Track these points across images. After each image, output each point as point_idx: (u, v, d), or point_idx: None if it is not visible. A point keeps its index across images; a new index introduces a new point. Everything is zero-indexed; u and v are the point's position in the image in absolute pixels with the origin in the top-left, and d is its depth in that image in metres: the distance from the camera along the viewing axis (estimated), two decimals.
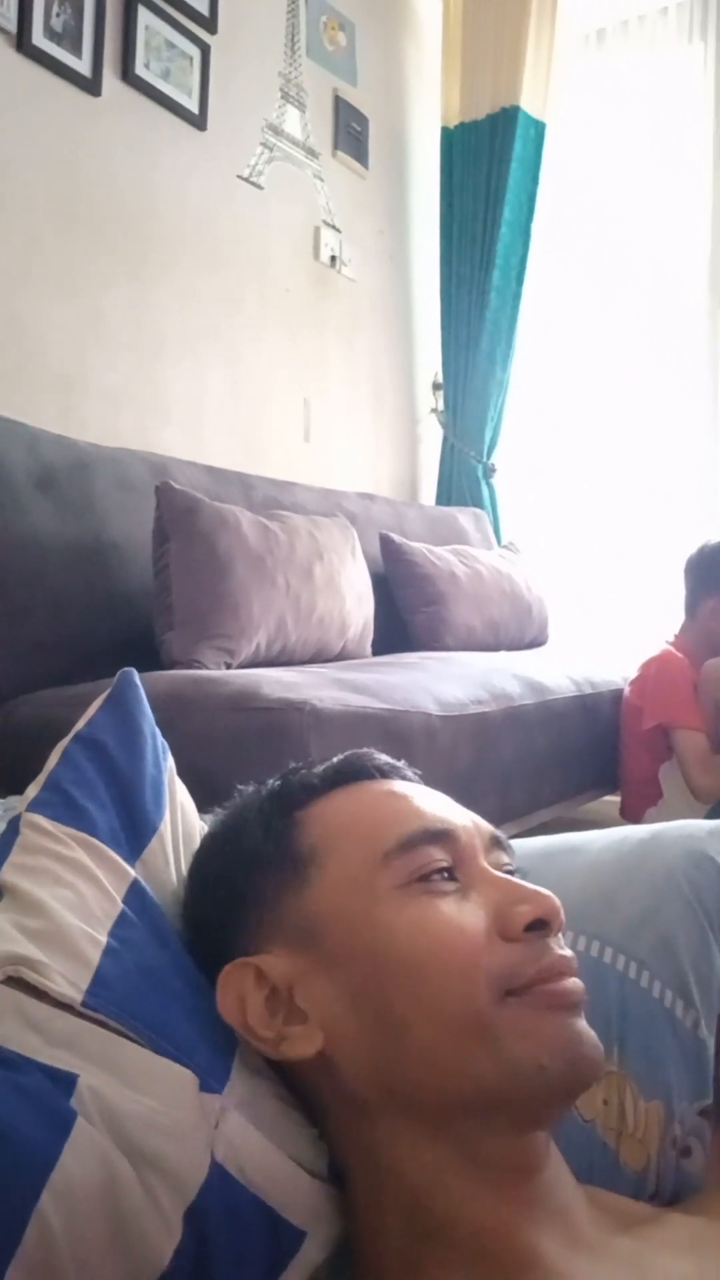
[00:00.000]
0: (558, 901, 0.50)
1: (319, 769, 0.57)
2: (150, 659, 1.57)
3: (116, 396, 2.10)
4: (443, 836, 0.51)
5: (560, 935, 0.51)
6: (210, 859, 0.58)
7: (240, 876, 0.54)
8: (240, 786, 0.61)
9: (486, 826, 0.55)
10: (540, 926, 0.49)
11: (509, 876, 0.52)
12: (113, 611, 1.70)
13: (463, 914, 0.49)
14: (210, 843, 0.59)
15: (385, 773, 0.57)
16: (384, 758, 0.59)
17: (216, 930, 0.55)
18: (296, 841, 0.53)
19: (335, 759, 0.58)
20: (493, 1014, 0.46)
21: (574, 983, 0.49)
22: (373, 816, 0.53)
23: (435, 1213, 0.47)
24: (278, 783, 0.58)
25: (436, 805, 0.54)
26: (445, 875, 0.50)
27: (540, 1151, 0.48)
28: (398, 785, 0.56)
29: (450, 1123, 0.47)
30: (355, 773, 0.57)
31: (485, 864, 0.52)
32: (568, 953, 0.50)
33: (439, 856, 0.51)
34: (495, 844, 0.55)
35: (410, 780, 0.58)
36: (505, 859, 0.55)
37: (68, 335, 2.00)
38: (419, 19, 3.11)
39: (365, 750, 0.59)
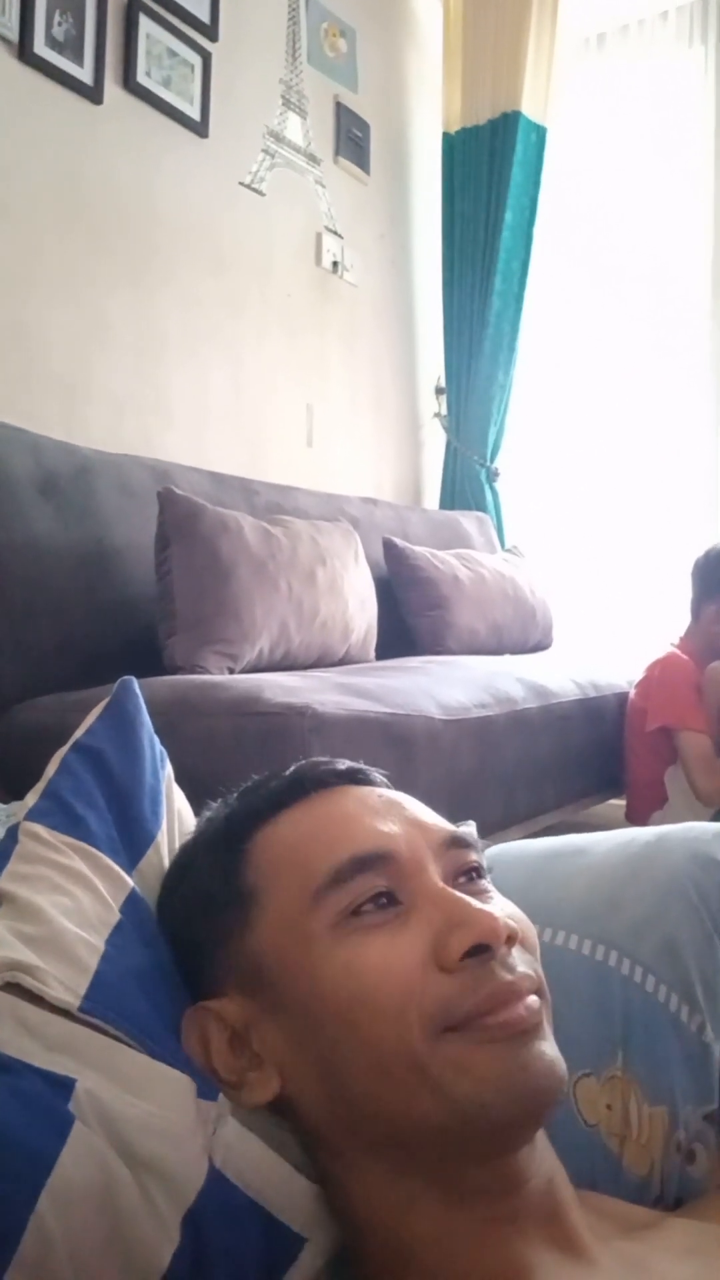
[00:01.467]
0: (501, 921, 0.46)
1: (269, 787, 0.55)
2: (153, 664, 1.57)
3: (119, 402, 2.11)
4: (377, 860, 0.48)
5: (528, 943, 0.48)
6: (169, 896, 0.57)
7: (195, 916, 0.54)
8: (207, 805, 0.59)
9: (439, 829, 0.52)
10: (480, 951, 0.45)
11: (454, 892, 0.48)
12: (115, 617, 1.70)
13: (395, 949, 0.46)
14: (169, 881, 0.58)
15: (331, 782, 0.54)
16: (338, 764, 0.56)
17: (186, 967, 0.54)
18: (241, 878, 0.51)
19: (285, 772, 0.55)
20: (428, 1054, 0.44)
21: (525, 1007, 0.45)
22: (307, 847, 0.50)
23: (412, 1239, 0.46)
24: (228, 809, 0.56)
25: (378, 821, 0.51)
26: (385, 901, 0.47)
27: (521, 1168, 0.46)
28: (342, 800, 0.53)
29: (415, 1157, 0.46)
30: (298, 789, 0.53)
31: (432, 878, 0.48)
32: (514, 974, 0.46)
33: (375, 882, 0.48)
34: (451, 844, 0.51)
35: (372, 783, 0.55)
36: (468, 856, 0.51)
37: (70, 341, 2.00)
38: (419, 25, 3.12)
39: (313, 759, 0.56)
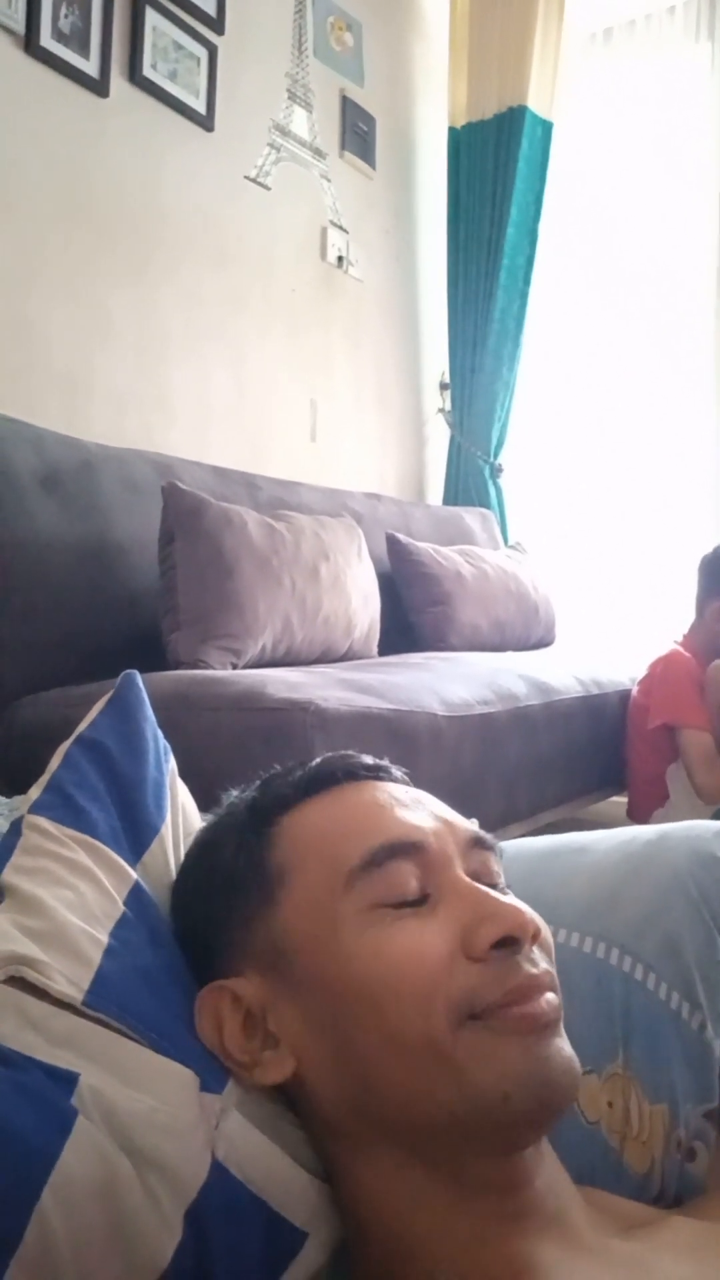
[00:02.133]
0: (527, 914, 0.47)
1: (296, 775, 0.56)
2: (156, 659, 1.57)
3: (122, 396, 2.10)
4: (409, 849, 0.49)
5: (544, 942, 0.49)
6: (188, 878, 0.58)
7: (216, 897, 0.54)
8: (226, 792, 0.60)
9: (466, 829, 0.53)
10: (509, 944, 0.46)
11: (482, 888, 0.49)
12: (118, 612, 1.70)
13: (424, 936, 0.47)
14: (189, 862, 0.59)
15: (360, 775, 0.55)
16: (365, 758, 0.57)
17: (198, 948, 0.54)
18: (267, 860, 0.52)
19: (312, 763, 0.56)
20: (451, 1041, 0.44)
21: (546, 1001, 0.46)
22: (339, 832, 0.51)
23: (418, 1232, 0.46)
24: (254, 794, 0.57)
25: (407, 812, 0.52)
26: (415, 885, 0.49)
27: (527, 1167, 0.47)
28: (371, 791, 0.54)
29: (425, 1146, 0.46)
30: (330, 777, 0.55)
31: (459, 872, 0.50)
32: (538, 969, 0.47)
33: (406, 871, 0.49)
34: (476, 844, 0.52)
35: (396, 780, 0.57)
36: (489, 858, 0.53)
37: (74, 335, 2.00)
38: (426, 19, 3.11)
39: (341, 753, 0.57)
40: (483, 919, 0.47)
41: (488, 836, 0.54)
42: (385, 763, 0.58)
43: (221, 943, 0.52)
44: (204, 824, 0.60)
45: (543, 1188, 0.47)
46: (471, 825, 0.54)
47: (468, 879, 0.49)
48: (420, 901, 0.48)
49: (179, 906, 0.57)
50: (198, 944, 0.54)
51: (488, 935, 0.46)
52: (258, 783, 0.58)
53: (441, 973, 0.45)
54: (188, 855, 0.59)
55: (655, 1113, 0.58)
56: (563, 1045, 0.46)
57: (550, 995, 0.47)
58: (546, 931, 0.50)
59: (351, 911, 0.48)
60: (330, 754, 0.57)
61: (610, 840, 0.71)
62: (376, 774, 0.56)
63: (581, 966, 0.62)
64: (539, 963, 0.48)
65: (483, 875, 0.51)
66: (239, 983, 0.50)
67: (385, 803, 0.52)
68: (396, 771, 0.58)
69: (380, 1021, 0.46)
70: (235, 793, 0.59)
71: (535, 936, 0.48)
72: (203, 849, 0.57)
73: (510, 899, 0.49)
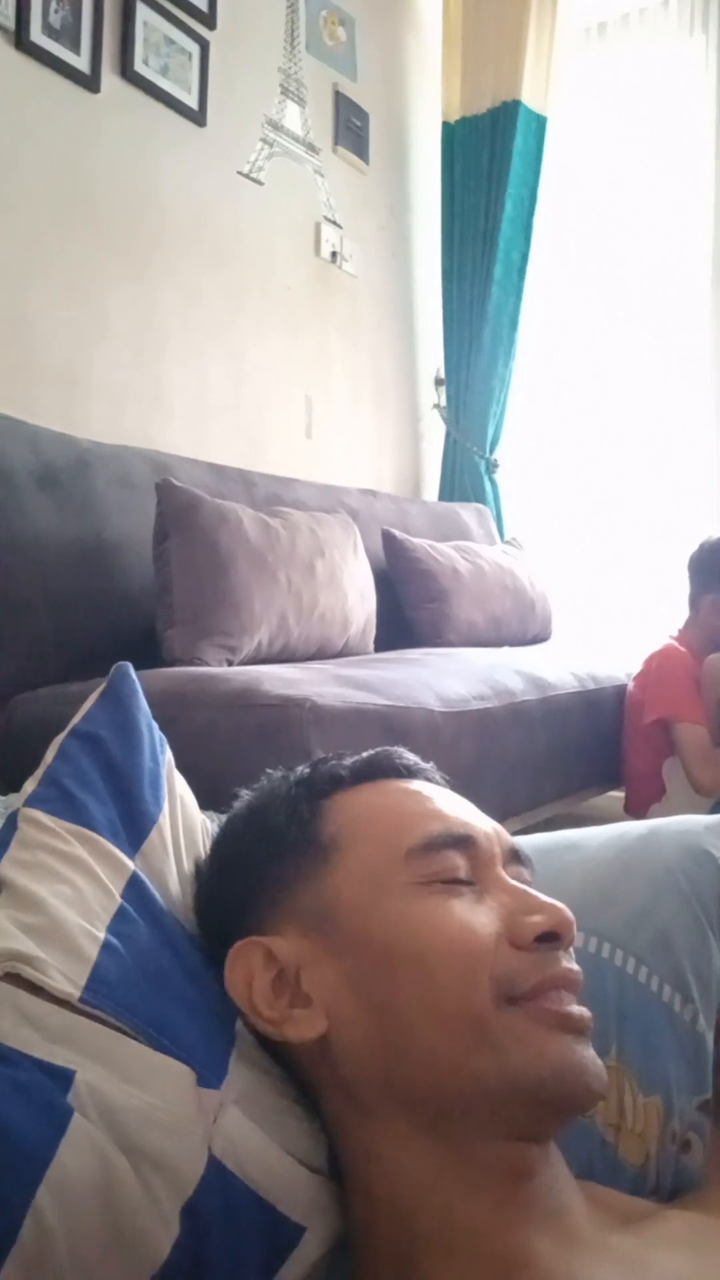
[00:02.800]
0: (572, 916, 0.50)
1: (347, 761, 0.58)
2: (152, 657, 1.57)
3: (119, 393, 2.10)
4: (464, 842, 0.52)
5: (571, 951, 0.51)
6: (233, 837, 0.59)
7: (261, 857, 0.55)
8: (269, 771, 0.62)
9: (508, 838, 0.56)
10: (551, 939, 0.49)
11: (524, 886, 0.52)
12: (114, 609, 1.70)
13: (475, 915, 0.49)
14: (234, 822, 0.60)
15: (412, 772, 0.58)
16: (412, 757, 0.60)
17: (232, 908, 0.55)
18: (320, 829, 0.54)
19: (364, 754, 0.59)
20: (492, 1016, 0.46)
21: (581, 1010, 0.48)
22: (397, 813, 0.54)
23: (430, 1212, 0.47)
24: (307, 770, 0.59)
25: (460, 810, 0.55)
26: (462, 876, 0.51)
27: (535, 1157, 0.48)
28: (423, 786, 0.57)
29: (446, 1122, 0.47)
30: (382, 769, 0.58)
31: (503, 872, 0.53)
32: (576, 968, 0.50)
33: (458, 860, 0.51)
34: (515, 857, 0.55)
35: (436, 782, 0.59)
36: (525, 873, 0.55)
37: (69, 332, 2.00)
38: (419, 13, 3.10)
39: (393, 748, 0.60)
40: (531, 910, 0.49)
41: (525, 850, 0.56)
42: (430, 766, 0.61)
43: (257, 904, 0.54)
44: (206, 819, 0.61)
45: (547, 1180, 0.48)
46: (512, 837, 0.57)
47: (510, 879, 0.52)
48: (471, 884, 0.51)
49: (216, 866, 0.58)
50: (230, 903, 0.56)
51: (536, 926, 0.49)
52: (305, 765, 0.60)
53: (489, 950, 0.48)
54: (230, 819, 0.60)
55: (649, 1105, 0.58)
56: (595, 1055, 0.48)
57: (584, 1009, 0.49)
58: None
59: (406, 884, 0.50)
60: (381, 749, 0.60)
61: (601, 836, 0.72)
62: (424, 774, 0.59)
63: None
64: (574, 964, 0.50)
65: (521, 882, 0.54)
66: (276, 940, 0.52)
67: (440, 797, 0.56)
68: (439, 777, 0.60)
69: (426, 987, 0.47)
70: (276, 772, 0.61)
71: (569, 943, 0.50)
72: (250, 813, 0.59)
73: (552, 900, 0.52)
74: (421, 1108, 0.48)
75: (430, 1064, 0.47)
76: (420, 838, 0.51)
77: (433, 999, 0.47)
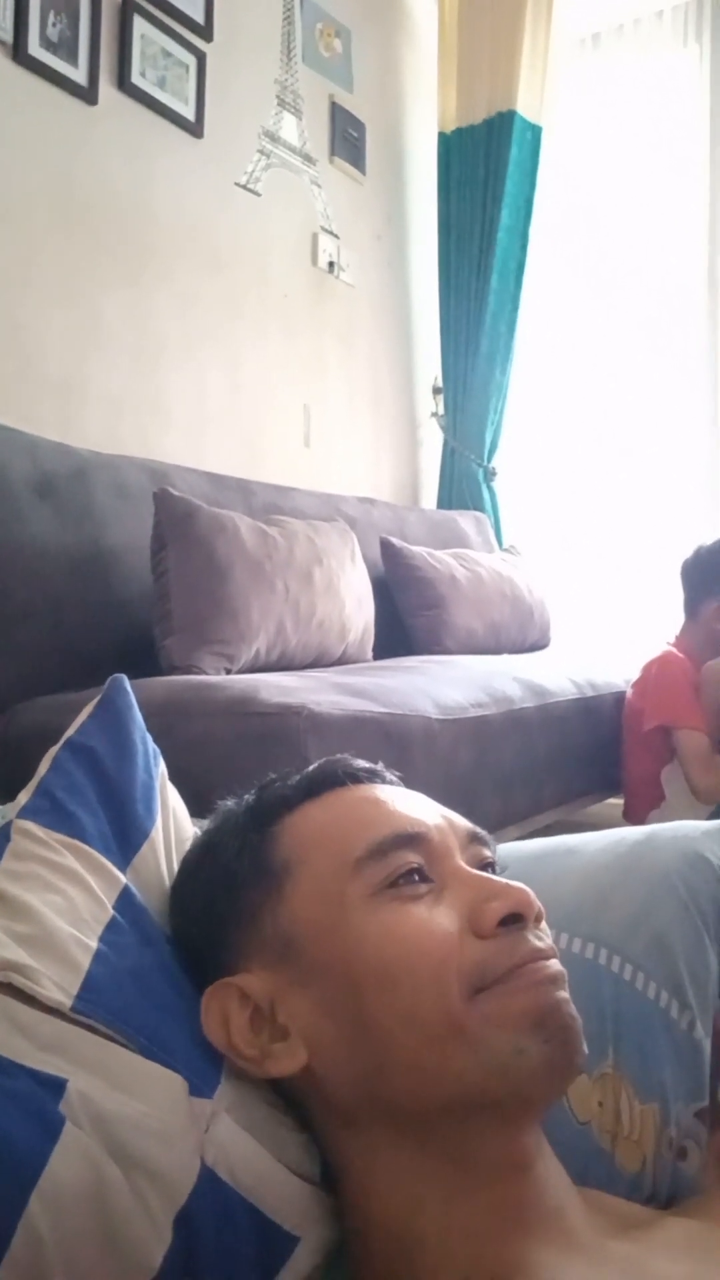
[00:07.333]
0: (531, 894, 0.49)
1: (294, 780, 0.57)
2: (150, 665, 1.57)
3: (117, 403, 2.11)
4: (414, 839, 0.51)
5: (542, 929, 0.50)
6: (189, 879, 0.58)
7: (218, 896, 0.54)
8: (221, 801, 0.61)
9: (463, 823, 0.55)
10: (514, 921, 0.48)
11: (484, 873, 0.52)
12: (112, 618, 1.70)
13: (433, 916, 0.49)
14: (189, 863, 0.59)
15: (361, 778, 0.57)
16: (360, 763, 0.58)
17: (200, 950, 0.55)
18: (270, 856, 0.53)
19: (309, 768, 0.58)
20: (465, 1012, 0.46)
21: (554, 963, 0.48)
22: (344, 825, 0.53)
23: (424, 1221, 0.46)
24: (252, 798, 0.58)
25: (409, 807, 0.54)
26: (417, 877, 0.50)
27: (530, 1146, 0.48)
28: (372, 790, 0.56)
29: (436, 1128, 0.47)
30: (329, 781, 0.56)
31: (461, 862, 0.52)
32: (544, 943, 0.49)
33: (411, 859, 0.50)
34: (473, 839, 0.54)
35: (390, 783, 0.58)
36: (485, 853, 0.54)
37: (67, 342, 2.00)
38: (415, 25, 3.12)
39: (339, 757, 0.59)
40: (489, 897, 0.49)
41: (482, 831, 0.56)
42: (380, 767, 0.59)
43: (224, 943, 0.53)
44: (198, 830, 0.60)
45: (542, 1178, 0.48)
46: (467, 821, 0.56)
47: (468, 868, 0.52)
48: (425, 883, 0.50)
49: (179, 910, 0.58)
50: (199, 946, 0.55)
51: (495, 911, 0.48)
52: (252, 791, 0.59)
53: (452, 949, 0.47)
54: (186, 860, 0.60)
55: (646, 1112, 0.58)
56: (569, 1000, 0.48)
57: (555, 961, 0.49)
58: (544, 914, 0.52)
59: (360, 897, 0.49)
60: (326, 759, 0.58)
61: (599, 842, 0.71)
62: (373, 777, 0.58)
63: (571, 968, 0.62)
64: (543, 938, 0.50)
65: (481, 867, 0.53)
66: (245, 979, 0.51)
67: (386, 799, 0.55)
68: (390, 775, 0.59)
69: (394, 998, 0.47)
70: (230, 802, 0.60)
71: (538, 918, 0.50)
72: (203, 852, 0.58)
73: (512, 881, 0.51)
74: (409, 1117, 0.47)
75: (413, 1074, 0.46)
76: (365, 846, 0.50)
77: (404, 1010, 0.47)
